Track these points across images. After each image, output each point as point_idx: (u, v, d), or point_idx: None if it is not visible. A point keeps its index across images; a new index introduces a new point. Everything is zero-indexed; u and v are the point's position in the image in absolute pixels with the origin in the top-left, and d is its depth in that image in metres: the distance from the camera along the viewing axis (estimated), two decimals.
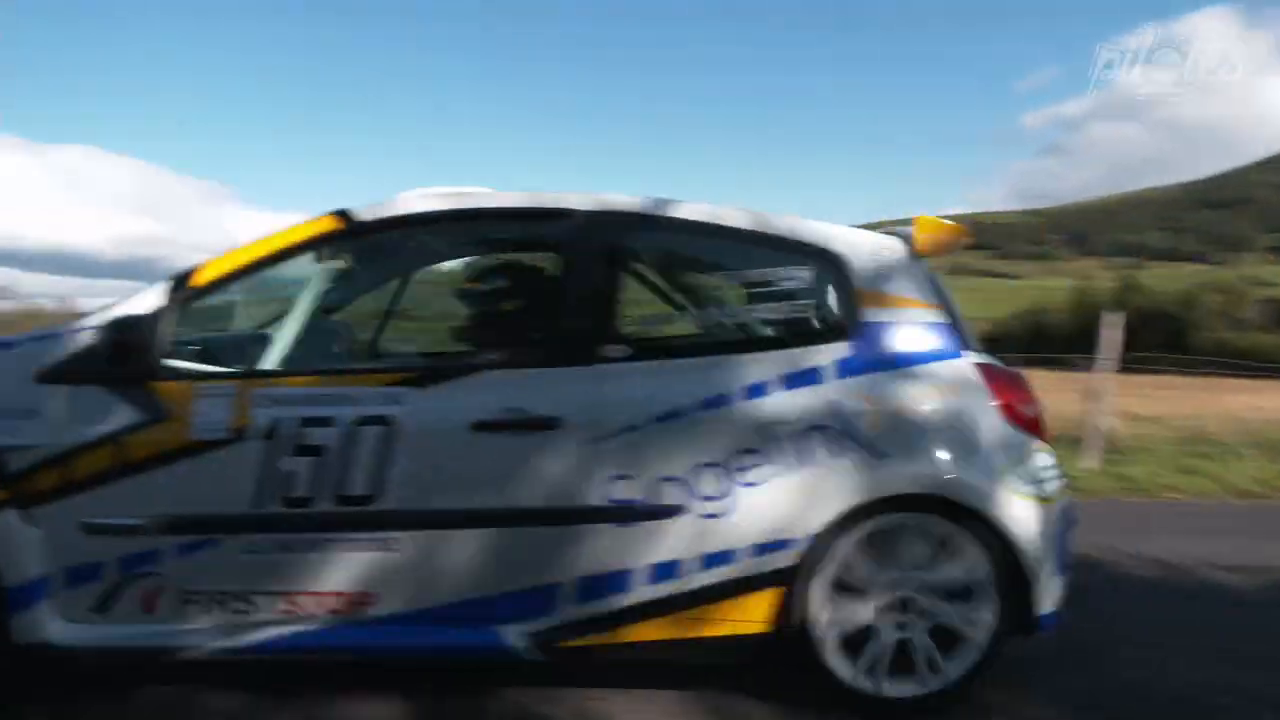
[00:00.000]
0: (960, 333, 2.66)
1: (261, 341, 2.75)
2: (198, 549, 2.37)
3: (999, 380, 2.61)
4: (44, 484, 2.31)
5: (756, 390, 2.48)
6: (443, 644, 2.44)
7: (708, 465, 2.42)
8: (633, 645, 2.46)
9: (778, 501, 2.42)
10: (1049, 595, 2.53)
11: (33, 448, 2.31)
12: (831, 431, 2.45)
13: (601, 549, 2.41)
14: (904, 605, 2.49)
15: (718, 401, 2.46)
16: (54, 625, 2.34)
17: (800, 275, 2.66)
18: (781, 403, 2.47)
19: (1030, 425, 2.60)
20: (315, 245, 2.64)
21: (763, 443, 2.43)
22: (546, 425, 2.40)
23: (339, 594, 2.40)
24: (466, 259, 3.46)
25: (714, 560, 2.43)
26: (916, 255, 2.71)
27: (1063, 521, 2.58)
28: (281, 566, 2.38)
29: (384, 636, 2.43)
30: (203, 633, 2.39)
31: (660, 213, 2.67)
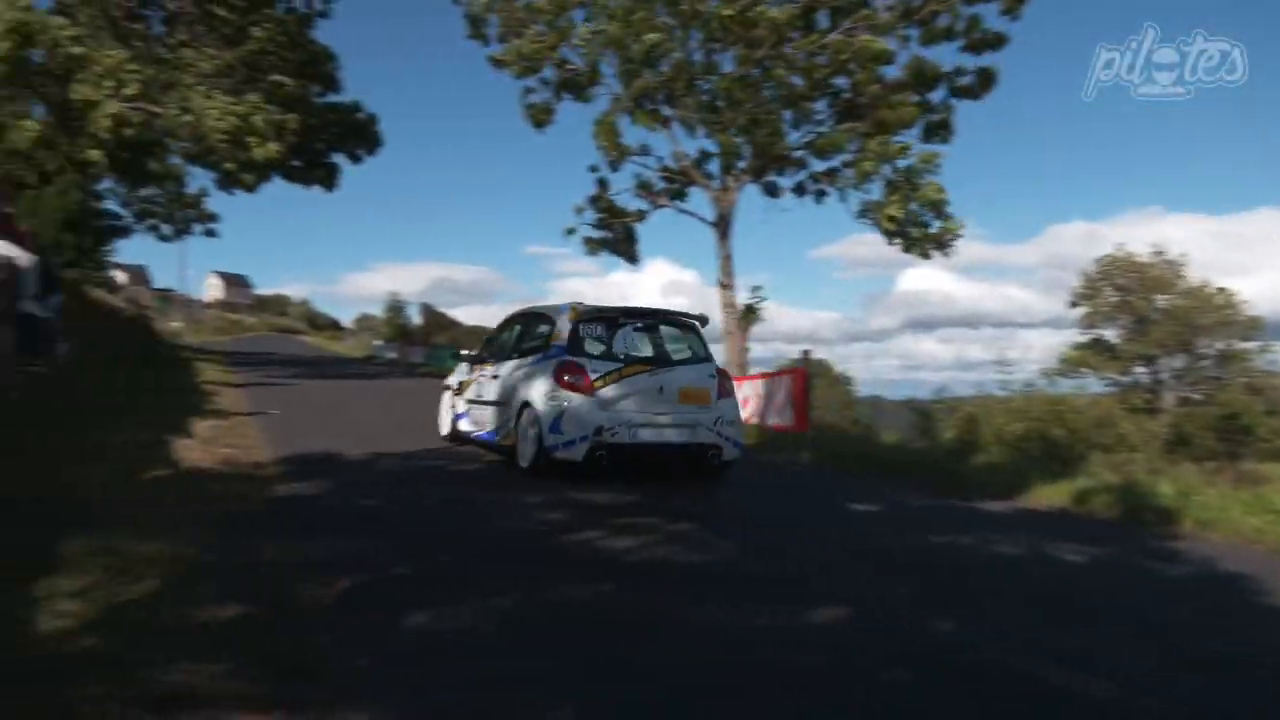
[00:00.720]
0: (562, 347, 7.25)
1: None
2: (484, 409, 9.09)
3: (561, 367, 7.25)
4: (460, 390, 9.53)
5: (525, 364, 7.92)
6: None
7: (510, 386, 7.97)
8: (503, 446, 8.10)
9: (522, 395, 7.71)
10: (550, 440, 7.07)
11: (460, 380, 9.59)
12: (529, 374, 7.65)
13: (493, 413, 8.24)
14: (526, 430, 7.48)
15: (519, 365, 8.04)
16: (463, 425, 9.52)
17: (548, 327, 7.76)
18: (529, 367, 7.82)
19: (563, 385, 7.16)
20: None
21: (524, 378, 7.80)
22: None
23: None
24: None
25: (513, 415, 7.87)
26: (571, 320, 7.41)
27: (555, 416, 7.08)
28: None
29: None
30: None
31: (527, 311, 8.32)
